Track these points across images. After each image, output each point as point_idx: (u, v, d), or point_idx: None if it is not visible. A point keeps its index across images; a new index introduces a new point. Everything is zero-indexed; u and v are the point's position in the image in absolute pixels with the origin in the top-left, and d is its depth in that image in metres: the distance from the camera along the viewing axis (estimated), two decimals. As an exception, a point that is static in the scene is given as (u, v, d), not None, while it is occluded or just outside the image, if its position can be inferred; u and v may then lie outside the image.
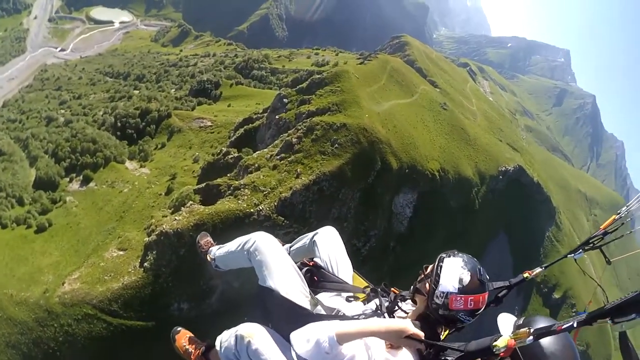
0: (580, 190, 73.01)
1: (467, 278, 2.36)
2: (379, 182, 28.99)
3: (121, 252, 25.92)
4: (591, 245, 2.70)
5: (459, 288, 2.35)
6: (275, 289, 2.76)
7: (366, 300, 2.93)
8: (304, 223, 24.26)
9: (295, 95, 33.67)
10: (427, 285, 2.50)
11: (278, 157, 27.63)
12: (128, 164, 38.74)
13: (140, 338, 21.65)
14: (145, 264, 23.69)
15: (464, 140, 39.65)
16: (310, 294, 2.87)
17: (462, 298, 2.34)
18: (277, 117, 32.73)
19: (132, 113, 45.54)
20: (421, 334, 2.24)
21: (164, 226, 24.06)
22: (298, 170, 25.67)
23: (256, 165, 28.42)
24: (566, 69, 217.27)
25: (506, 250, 43.60)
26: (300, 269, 3.02)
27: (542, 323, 2.07)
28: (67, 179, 36.74)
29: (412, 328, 2.24)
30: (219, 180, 27.73)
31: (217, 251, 3.70)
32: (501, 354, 1.87)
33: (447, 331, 2.59)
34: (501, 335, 1.89)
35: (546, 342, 2.02)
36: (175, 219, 24.64)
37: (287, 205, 24.34)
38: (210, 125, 42.29)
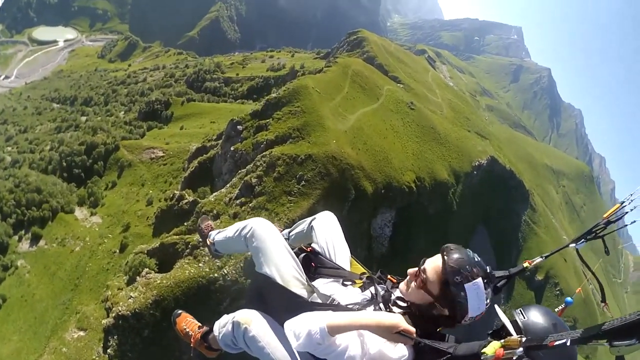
0: (546, 164, 72.40)
1: (490, 293, 2.14)
2: (354, 211, 25.00)
3: (82, 333, 22.62)
4: (593, 234, 2.37)
5: (486, 305, 2.13)
6: (272, 276, 2.57)
7: (362, 288, 2.64)
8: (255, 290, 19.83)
9: (249, 120, 28.69)
10: (446, 311, 2.15)
11: (238, 201, 22.93)
12: (78, 211, 33.15)
13: None
14: (109, 350, 20.22)
15: (435, 140, 36.21)
16: (306, 281, 2.65)
17: (486, 308, 2.14)
18: (232, 148, 27.71)
19: (77, 150, 39.74)
20: (412, 330, 2.07)
21: (120, 308, 20.14)
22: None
23: (214, 212, 23.65)
24: (520, 45, 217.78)
25: (486, 242, 41.48)
26: (298, 255, 2.79)
27: (537, 319, 1.94)
28: (16, 238, 31.86)
29: (403, 324, 2.08)
30: (174, 237, 22.89)
31: (216, 235, 3.40)
32: None
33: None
34: (491, 341, 1.74)
35: (538, 326, 1.90)
36: (131, 297, 20.22)
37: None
38: (162, 156, 36.80)
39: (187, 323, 3.14)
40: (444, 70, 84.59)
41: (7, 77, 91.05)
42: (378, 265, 27.63)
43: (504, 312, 2.00)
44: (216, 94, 56.91)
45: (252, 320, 2.42)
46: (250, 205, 22.32)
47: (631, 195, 2.22)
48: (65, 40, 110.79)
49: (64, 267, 27.56)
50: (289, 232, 3.39)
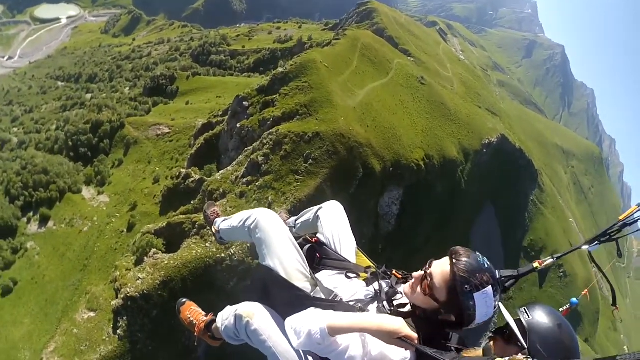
0: (557, 143, 70.18)
1: (498, 300, 2.01)
2: (362, 189, 24.30)
3: (92, 314, 22.66)
4: (608, 237, 2.27)
5: (493, 312, 2.02)
6: (275, 269, 2.51)
7: (367, 283, 2.56)
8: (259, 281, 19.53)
9: (256, 96, 27.64)
10: (453, 317, 2.05)
11: (244, 180, 22.35)
12: (85, 191, 32.96)
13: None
14: (119, 331, 20.44)
15: (445, 116, 34.87)
16: (310, 273, 2.59)
17: (493, 314, 2.04)
18: (238, 125, 26.85)
19: (83, 129, 39.15)
20: (414, 337, 1.99)
21: (129, 289, 20.13)
22: (269, 198, 20.58)
23: (221, 190, 23.19)
24: (534, 20, 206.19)
25: (493, 220, 40.79)
26: (303, 246, 2.73)
27: (542, 319, 1.92)
28: (25, 220, 31.83)
29: (405, 330, 2.01)
30: (181, 217, 22.54)
31: (221, 223, 3.29)
32: None
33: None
34: (496, 357, 1.72)
35: (549, 321, 1.88)
36: (140, 278, 20.27)
37: (262, 244, 19.40)
38: (169, 132, 36.11)
39: (191, 312, 3.09)
40: (455, 43, 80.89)
41: (10, 58, 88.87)
42: (385, 244, 27.35)
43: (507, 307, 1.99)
44: (222, 67, 55.37)
45: (255, 314, 2.37)
46: (257, 184, 21.73)
47: None
48: (68, 17, 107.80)
49: (73, 247, 27.52)
50: (295, 220, 3.32)
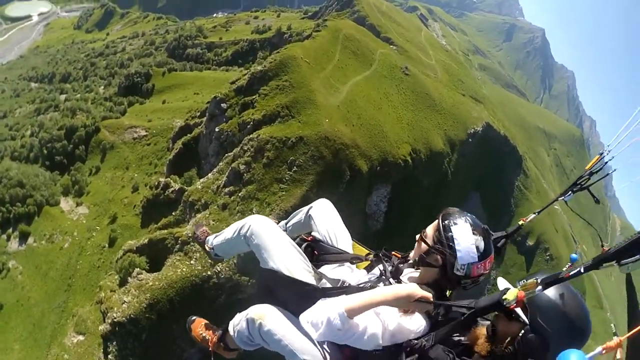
0: (539, 126, 69.73)
1: (481, 244, 2.13)
2: (349, 191, 23.08)
3: (81, 337, 21.88)
4: (579, 186, 2.46)
5: (478, 256, 2.10)
6: (278, 269, 2.47)
7: (369, 267, 2.64)
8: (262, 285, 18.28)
9: (234, 97, 25.75)
10: (439, 258, 2.19)
11: (226, 190, 20.76)
12: (63, 202, 31.10)
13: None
14: (110, 356, 19.58)
15: (430, 107, 33.64)
16: (313, 268, 2.56)
17: (482, 264, 2.13)
18: (217, 129, 24.96)
19: (57, 135, 36.95)
20: (430, 296, 2.04)
21: (115, 314, 19.17)
22: (253, 209, 19.17)
23: (202, 201, 21.63)
24: (513, 4, 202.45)
25: (479, 207, 40.22)
26: (299, 245, 2.68)
27: (549, 294, 1.85)
28: (5, 237, 30.26)
29: (419, 291, 2.05)
30: (162, 232, 21.16)
31: (214, 240, 3.18)
32: (511, 307, 1.70)
33: (451, 292, 2.32)
34: (509, 289, 1.72)
35: (551, 292, 1.84)
36: (125, 301, 18.89)
37: (249, 259, 17.99)
38: (145, 135, 34.05)
39: (202, 327, 2.94)
40: (436, 28, 78.77)
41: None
42: (373, 243, 26.36)
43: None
44: (199, 61, 52.54)
45: (266, 315, 2.30)
46: (239, 195, 20.21)
47: (608, 145, 2.29)
48: (39, 14, 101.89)
49: (55, 266, 26.21)
50: (286, 224, 3.20)
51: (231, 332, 2.54)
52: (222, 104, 26.08)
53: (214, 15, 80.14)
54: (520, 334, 1.83)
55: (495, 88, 76.69)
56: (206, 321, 2.99)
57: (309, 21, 52.95)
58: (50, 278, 25.33)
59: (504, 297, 1.69)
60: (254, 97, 24.99)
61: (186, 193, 22.83)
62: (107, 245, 25.14)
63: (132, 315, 18.18)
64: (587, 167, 2.42)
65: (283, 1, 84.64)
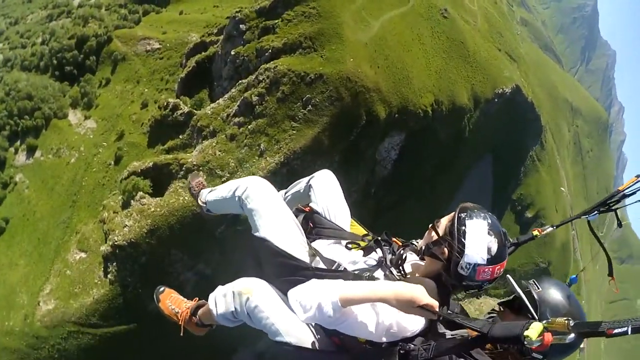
0: (567, 99, 64.47)
1: (494, 246, 1.91)
2: (363, 137, 21.58)
3: (83, 254, 22.03)
4: (607, 207, 2.23)
5: (487, 259, 1.90)
6: (270, 240, 2.22)
7: (367, 250, 2.36)
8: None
9: (255, 19, 23.03)
10: (446, 251, 2.00)
11: (236, 120, 19.32)
12: (71, 115, 30.17)
13: (128, 340, 19.86)
14: (109, 275, 20.01)
15: (462, 57, 30.79)
16: (308, 244, 2.34)
17: (490, 269, 1.91)
18: (232, 52, 22.67)
19: (68, 45, 34.56)
20: (436, 305, 1.77)
21: (116, 237, 19.20)
22: (261, 145, 17.96)
23: (211, 128, 20.35)
24: None
25: (489, 171, 39.06)
26: (296, 216, 2.45)
27: (552, 290, 1.87)
28: (12, 150, 29.88)
29: (425, 298, 1.77)
30: (168, 156, 20.22)
31: (208, 194, 2.93)
32: (533, 348, 1.45)
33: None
34: (533, 322, 1.46)
35: (557, 292, 1.85)
36: (127, 225, 18.94)
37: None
38: (159, 48, 31.88)
39: (172, 300, 2.68)
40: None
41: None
42: (377, 188, 25.47)
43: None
44: (222, -28, 46.93)
45: (254, 289, 2.10)
46: (249, 127, 18.86)
47: None
48: None
49: (61, 181, 25.84)
50: (285, 193, 2.96)
51: (211, 306, 2.27)
52: (241, 25, 23.37)
53: None
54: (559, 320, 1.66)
55: (532, 47, 69.65)
56: (176, 293, 2.76)
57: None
58: (56, 193, 25.18)
59: (525, 333, 1.43)
60: (276, 21, 22.25)
61: (195, 117, 21.47)
62: (112, 163, 24.56)
63: (132, 240, 18.25)
64: (620, 188, 2.22)
65: None
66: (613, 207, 2.19)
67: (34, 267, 23.08)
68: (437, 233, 2.05)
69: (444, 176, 29.26)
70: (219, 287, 2.27)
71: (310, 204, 2.65)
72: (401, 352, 1.85)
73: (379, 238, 2.40)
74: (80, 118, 29.35)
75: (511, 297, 2.00)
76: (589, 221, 2.31)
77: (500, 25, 43.44)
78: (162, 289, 2.76)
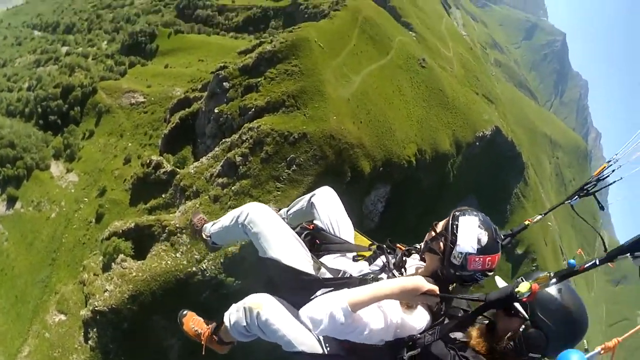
0: (545, 133, 66.96)
1: (484, 238, 2.10)
2: (348, 193, 21.12)
3: (62, 317, 20.99)
4: (585, 191, 2.54)
5: (477, 249, 2.08)
6: (277, 259, 2.40)
7: (372, 258, 2.54)
8: (258, 278, 16.95)
9: (238, 77, 23.24)
10: (442, 244, 2.20)
11: (219, 181, 19.08)
12: (54, 167, 29.61)
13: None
14: (90, 341, 18.85)
15: (442, 104, 31.57)
16: (312, 258, 2.50)
17: (480, 259, 2.08)
18: (216, 110, 22.69)
19: (53, 94, 34.79)
20: (436, 289, 1.98)
21: (97, 303, 18.22)
22: (246, 207, 17.19)
23: (194, 188, 19.90)
24: (539, 2, 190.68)
25: (473, 207, 38.62)
26: (300, 234, 2.65)
27: (547, 290, 1.91)
28: None
29: (426, 284, 1.97)
30: (150, 217, 19.54)
31: (211, 227, 3.13)
32: (524, 300, 1.67)
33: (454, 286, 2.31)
34: (522, 282, 1.67)
35: (549, 287, 1.84)
36: (107, 290, 17.93)
37: (236, 261, 16.57)
38: (143, 102, 31.94)
39: (195, 321, 2.84)
40: (457, 16, 73.32)
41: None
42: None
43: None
44: (208, 23, 49.00)
45: (263, 304, 2.22)
46: (232, 188, 18.51)
47: (616, 154, 2.32)
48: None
49: (41, 236, 25.01)
50: (287, 211, 3.19)
51: (227, 323, 2.43)
52: (224, 83, 23.61)
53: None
54: (521, 329, 1.80)
55: (507, 86, 72.97)
56: (197, 315, 2.86)
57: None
58: (35, 249, 24.26)
59: (516, 289, 1.64)
60: (259, 79, 22.57)
61: (178, 176, 21.10)
62: (94, 221, 23.77)
63: (113, 306, 17.39)
64: (594, 174, 2.48)
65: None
66: (591, 191, 2.48)
67: (11, 325, 21.93)
68: (435, 231, 2.27)
69: (428, 224, 29.06)
70: (233, 305, 2.42)
71: (314, 221, 2.77)
72: (409, 344, 1.95)
73: (383, 245, 2.55)
74: (62, 170, 28.78)
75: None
76: (572, 205, 2.56)
77: (475, 69, 45.33)
78: (185, 312, 2.91)
